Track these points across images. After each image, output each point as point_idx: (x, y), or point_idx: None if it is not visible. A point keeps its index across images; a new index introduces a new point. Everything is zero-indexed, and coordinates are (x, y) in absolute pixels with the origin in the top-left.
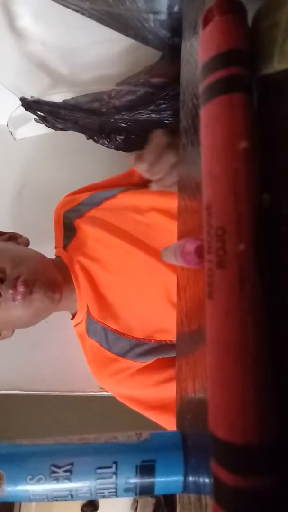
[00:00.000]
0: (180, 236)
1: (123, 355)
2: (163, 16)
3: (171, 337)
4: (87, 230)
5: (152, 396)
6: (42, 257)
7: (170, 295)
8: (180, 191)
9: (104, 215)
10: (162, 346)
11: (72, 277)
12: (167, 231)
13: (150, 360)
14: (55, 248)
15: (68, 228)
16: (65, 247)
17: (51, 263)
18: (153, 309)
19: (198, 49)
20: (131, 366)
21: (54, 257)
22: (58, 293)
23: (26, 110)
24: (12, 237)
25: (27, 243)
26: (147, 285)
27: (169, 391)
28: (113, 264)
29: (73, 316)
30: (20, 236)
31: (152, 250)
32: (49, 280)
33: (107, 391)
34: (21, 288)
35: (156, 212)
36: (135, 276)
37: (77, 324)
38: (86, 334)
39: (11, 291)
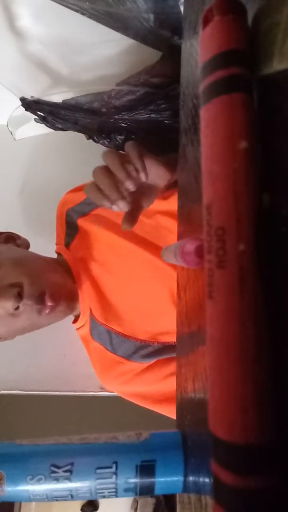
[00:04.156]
0: (180, 237)
1: (128, 357)
2: (163, 16)
3: (175, 338)
4: (91, 229)
5: (158, 391)
6: (48, 262)
7: (174, 296)
8: (180, 191)
9: (109, 215)
10: (166, 348)
11: (76, 280)
12: (173, 234)
13: (153, 360)
14: (56, 244)
15: (70, 226)
16: (67, 245)
17: (57, 265)
18: (157, 311)
19: (198, 49)
20: (135, 367)
21: (54, 253)
22: (77, 302)
23: (26, 110)
24: (11, 238)
25: (27, 245)
26: (151, 286)
27: (174, 384)
28: (117, 266)
29: (75, 319)
30: (19, 237)
31: (157, 250)
32: (70, 292)
33: (109, 391)
34: (49, 303)
35: (163, 215)
36: (139, 277)
37: (80, 327)
38: (90, 337)
39: (38, 306)
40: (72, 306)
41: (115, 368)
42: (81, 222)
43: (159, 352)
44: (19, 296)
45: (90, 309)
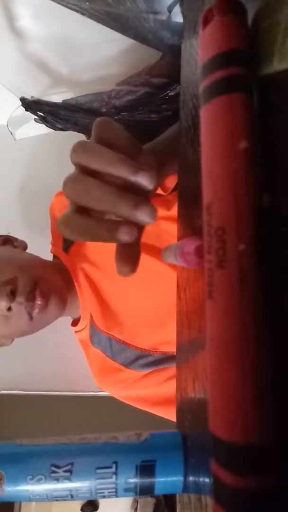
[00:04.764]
0: (180, 238)
1: (127, 365)
2: (163, 16)
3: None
4: None
5: (156, 394)
6: (45, 262)
7: None
8: (180, 192)
9: None
10: (167, 358)
11: (76, 285)
12: (176, 238)
13: (153, 369)
14: (52, 245)
15: None
16: (66, 250)
17: (53, 267)
18: (159, 320)
19: (198, 49)
20: (134, 375)
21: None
22: (66, 302)
23: (26, 110)
24: (8, 241)
25: (25, 246)
26: (153, 294)
27: (172, 387)
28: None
29: (74, 322)
30: (16, 239)
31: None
32: (60, 290)
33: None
34: (39, 301)
35: (166, 220)
36: (141, 284)
37: (79, 331)
38: (90, 343)
39: (30, 303)
40: (62, 307)
41: (114, 374)
42: None
43: (159, 362)
44: (12, 295)
45: (91, 315)
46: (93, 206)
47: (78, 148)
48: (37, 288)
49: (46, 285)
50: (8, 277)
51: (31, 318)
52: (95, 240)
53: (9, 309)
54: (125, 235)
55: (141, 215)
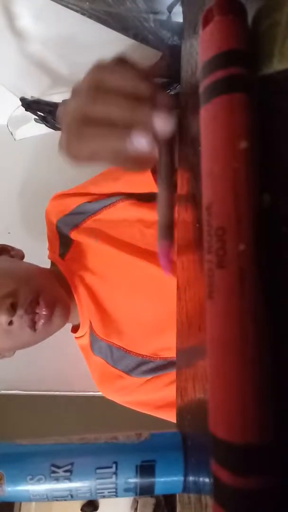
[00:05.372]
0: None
1: (128, 372)
2: (163, 16)
3: None
4: (86, 242)
5: (158, 398)
6: (43, 271)
7: None
8: (179, 192)
9: (104, 227)
10: (168, 364)
11: (73, 293)
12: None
13: (154, 375)
14: (49, 251)
15: (63, 237)
16: (62, 255)
17: (52, 275)
18: (159, 326)
19: (198, 49)
20: (136, 382)
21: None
22: (69, 313)
23: (26, 110)
24: (4, 250)
25: (22, 256)
26: (153, 300)
27: (174, 391)
28: (117, 279)
29: (74, 328)
30: (12, 248)
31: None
32: (63, 301)
33: None
34: (44, 312)
35: None
36: (140, 290)
37: (79, 337)
38: (91, 350)
39: (30, 316)
40: (66, 318)
41: (115, 382)
42: (74, 235)
43: (160, 368)
44: (12, 309)
45: (90, 322)
46: (107, 113)
47: (98, 67)
48: (41, 299)
49: (49, 296)
50: (8, 290)
51: (34, 330)
52: (104, 155)
53: (10, 323)
54: (139, 139)
55: (159, 119)
